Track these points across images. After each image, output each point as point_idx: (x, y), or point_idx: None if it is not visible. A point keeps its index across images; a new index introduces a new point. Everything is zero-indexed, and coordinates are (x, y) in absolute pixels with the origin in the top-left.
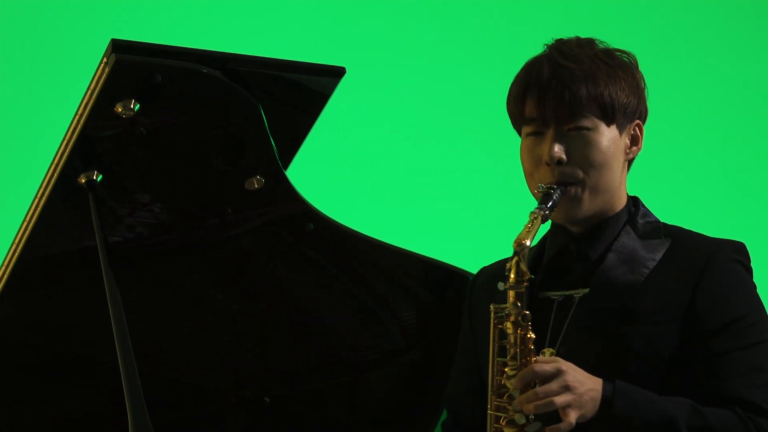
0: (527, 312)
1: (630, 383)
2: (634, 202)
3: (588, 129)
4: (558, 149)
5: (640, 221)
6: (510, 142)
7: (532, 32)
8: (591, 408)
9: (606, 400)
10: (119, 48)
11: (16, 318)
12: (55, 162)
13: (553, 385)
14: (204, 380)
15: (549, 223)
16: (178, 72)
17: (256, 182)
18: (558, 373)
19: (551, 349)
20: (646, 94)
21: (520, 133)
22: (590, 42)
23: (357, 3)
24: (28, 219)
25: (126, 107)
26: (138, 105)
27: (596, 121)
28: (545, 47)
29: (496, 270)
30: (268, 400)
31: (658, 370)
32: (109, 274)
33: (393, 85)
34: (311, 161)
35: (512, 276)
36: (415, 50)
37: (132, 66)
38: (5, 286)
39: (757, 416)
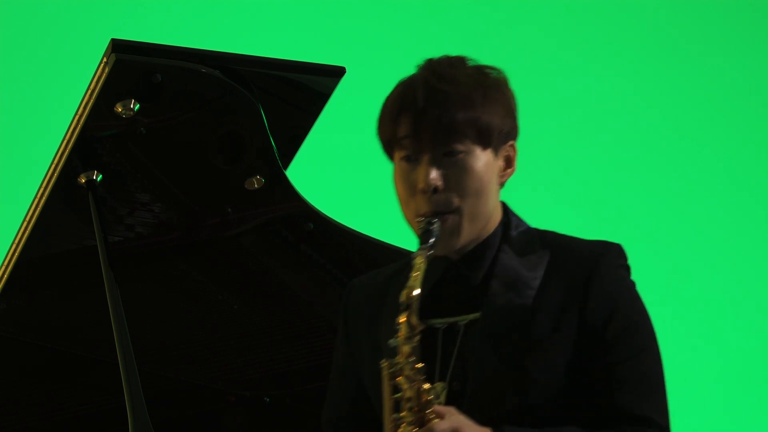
0: (421, 365)
1: (530, 413)
2: (505, 212)
3: (464, 153)
4: (434, 176)
5: (515, 234)
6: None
7: (533, 32)
8: None
9: None
10: (119, 48)
11: (16, 318)
12: (55, 162)
13: None
14: (204, 380)
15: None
16: (178, 72)
17: (256, 182)
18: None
19: (442, 383)
20: (517, 112)
21: (391, 157)
22: (462, 61)
23: (357, 3)
24: (28, 219)
25: (126, 107)
26: (138, 105)
27: (471, 145)
28: (417, 68)
29: (371, 286)
30: (268, 399)
31: (559, 394)
32: (109, 274)
33: (393, 85)
34: (311, 161)
35: (402, 331)
36: (415, 50)
37: (132, 66)
38: (5, 286)
39: (646, 428)
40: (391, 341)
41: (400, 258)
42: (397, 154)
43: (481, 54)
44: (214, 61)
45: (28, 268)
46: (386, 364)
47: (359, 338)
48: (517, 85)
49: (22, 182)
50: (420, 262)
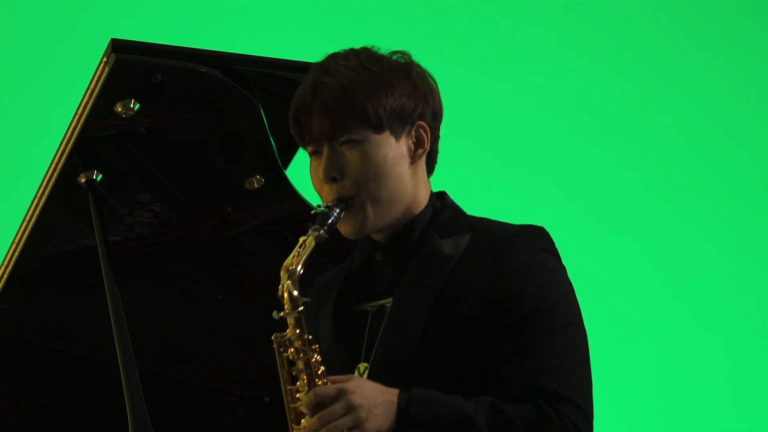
0: (310, 336)
1: (442, 389)
2: (439, 198)
3: (357, 141)
4: (329, 167)
5: (444, 217)
6: (511, 140)
7: (533, 32)
8: (386, 420)
9: (402, 411)
10: (119, 48)
11: (16, 317)
12: (55, 162)
13: (336, 407)
14: (204, 380)
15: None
16: (178, 71)
17: (256, 182)
18: (340, 395)
19: (365, 364)
20: (430, 92)
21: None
22: (357, 53)
23: (357, 3)
24: (28, 219)
25: (126, 107)
26: (138, 104)
27: (364, 132)
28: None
29: (328, 278)
30: (267, 399)
31: (470, 372)
32: (108, 274)
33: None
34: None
35: (286, 304)
36: (414, 50)
37: (132, 65)
38: (5, 286)
39: (560, 404)
40: (274, 313)
41: None
42: (307, 151)
43: (480, 53)
44: (214, 61)
45: (28, 268)
46: (275, 337)
47: (314, 327)
48: (517, 84)
49: (22, 182)
50: (307, 241)
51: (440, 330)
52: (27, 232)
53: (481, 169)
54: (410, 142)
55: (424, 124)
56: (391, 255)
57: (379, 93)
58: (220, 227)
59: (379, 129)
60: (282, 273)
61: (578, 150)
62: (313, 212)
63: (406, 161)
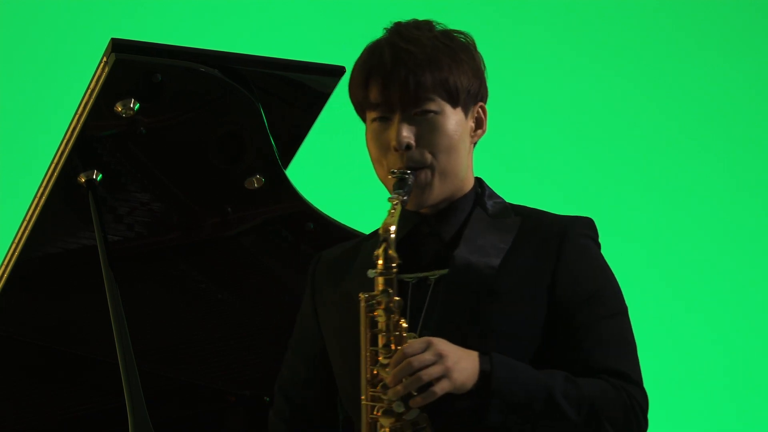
0: (398, 298)
1: None
2: (479, 183)
3: (435, 112)
4: (406, 134)
5: (488, 201)
6: (511, 140)
7: (533, 32)
8: (468, 377)
9: (484, 372)
10: (119, 47)
11: (16, 317)
12: (55, 161)
13: (426, 355)
14: (204, 380)
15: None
16: (178, 71)
17: (256, 181)
18: (429, 345)
19: (413, 334)
20: (486, 75)
21: (364, 119)
22: (428, 24)
23: (357, 3)
24: (28, 218)
25: (126, 106)
26: (138, 104)
27: (442, 104)
28: (384, 31)
29: (338, 254)
30: (268, 399)
31: (523, 350)
32: (108, 274)
33: None
34: (311, 161)
35: (380, 262)
36: None
37: (132, 65)
38: (5, 286)
39: (626, 383)
40: (369, 272)
41: None
42: (369, 116)
43: (481, 53)
44: (214, 60)
45: (28, 268)
46: (363, 296)
47: (326, 300)
48: (517, 84)
49: (22, 182)
50: (395, 204)
51: (497, 306)
52: (27, 232)
53: (480, 169)
54: (472, 122)
55: (483, 105)
56: (438, 228)
57: (459, 67)
58: (220, 227)
59: (455, 103)
60: (381, 233)
61: (578, 150)
62: (390, 176)
63: (468, 139)
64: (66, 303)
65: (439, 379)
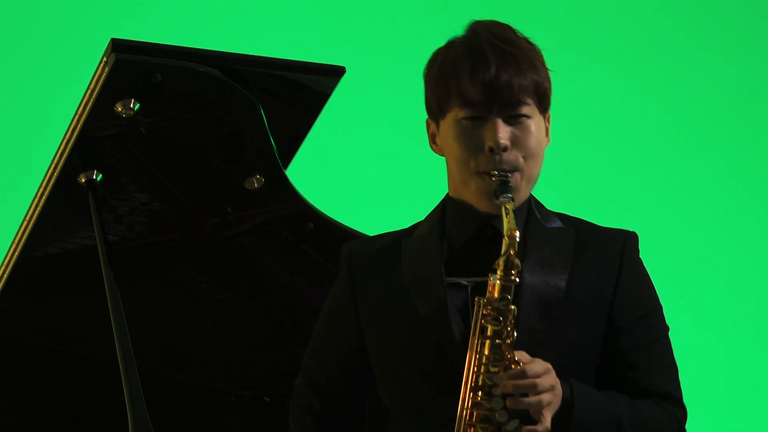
0: (514, 307)
1: (566, 373)
2: None
3: (528, 117)
4: (504, 136)
5: (536, 209)
6: None
7: (533, 32)
8: (557, 405)
9: (566, 401)
10: (119, 47)
11: (16, 317)
12: (55, 162)
13: (548, 380)
14: (204, 380)
15: (454, 206)
16: (178, 71)
17: (256, 181)
18: (548, 371)
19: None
20: None
21: (441, 115)
22: (509, 27)
23: (357, 3)
24: (28, 218)
25: (126, 107)
26: (138, 104)
27: (534, 109)
28: (469, 29)
29: (376, 249)
30: (267, 399)
31: (589, 365)
32: (108, 274)
33: (393, 85)
34: (311, 161)
35: (501, 268)
36: (415, 50)
37: (132, 65)
38: (5, 286)
39: (674, 407)
40: (491, 277)
41: None
42: (457, 113)
43: None
44: (214, 60)
45: (28, 268)
46: (481, 301)
47: (370, 292)
48: None
49: (22, 182)
50: (510, 207)
51: (567, 320)
52: (27, 232)
53: None
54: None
55: (549, 114)
56: (500, 231)
57: (546, 73)
58: (220, 227)
59: (544, 108)
60: (508, 237)
61: (578, 150)
62: (493, 179)
63: (544, 144)
64: (66, 303)
65: (547, 406)
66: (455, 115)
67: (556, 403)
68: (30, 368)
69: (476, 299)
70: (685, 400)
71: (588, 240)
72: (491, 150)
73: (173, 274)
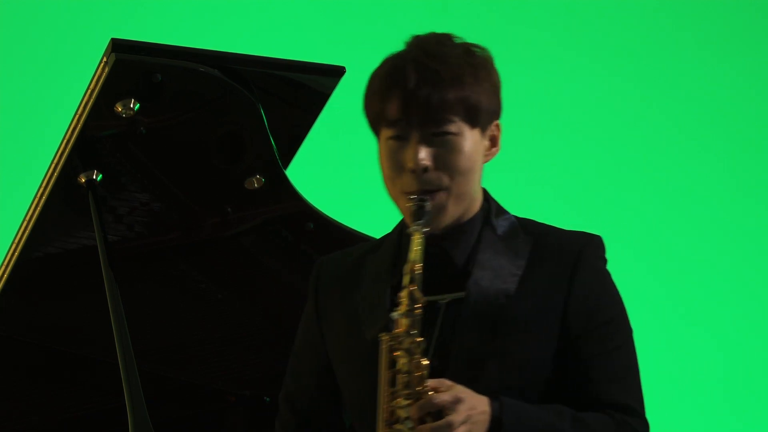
0: (421, 339)
1: (511, 393)
2: (486, 197)
3: (453, 134)
4: (424, 156)
5: (495, 220)
6: (510, 140)
7: (533, 32)
8: (482, 429)
9: (495, 420)
10: (119, 47)
11: (16, 317)
12: (55, 162)
13: (460, 416)
14: (204, 380)
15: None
16: (178, 71)
17: (256, 181)
18: (458, 402)
19: (424, 359)
20: (501, 91)
21: (377, 134)
22: (449, 38)
23: (357, 3)
24: (28, 218)
25: (126, 107)
26: (138, 104)
27: (461, 125)
28: (405, 45)
29: (346, 263)
30: (268, 399)
31: (538, 377)
32: (108, 274)
33: None
34: (311, 161)
35: (405, 303)
36: None
37: (132, 65)
38: (5, 286)
39: (630, 417)
40: (393, 314)
41: None
42: (385, 132)
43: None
44: (214, 60)
45: (28, 268)
46: (386, 337)
47: (331, 313)
48: (517, 84)
49: (22, 182)
50: (418, 238)
51: (512, 334)
52: (27, 232)
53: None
54: (487, 141)
55: (499, 123)
56: (449, 251)
57: (480, 86)
58: (220, 227)
59: (474, 123)
60: (408, 272)
61: (577, 151)
62: (407, 203)
63: (482, 159)
64: (66, 303)
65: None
66: (384, 134)
67: (479, 426)
68: (30, 368)
69: (380, 335)
70: (685, 399)
71: (545, 248)
72: (413, 170)
73: (173, 274)
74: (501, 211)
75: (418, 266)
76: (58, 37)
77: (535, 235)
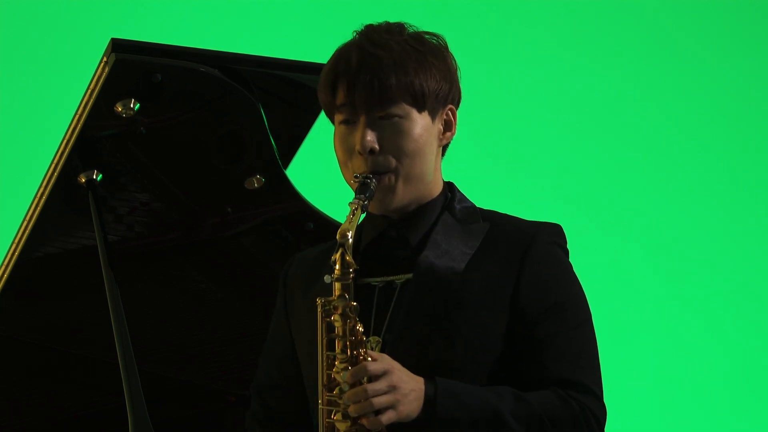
0: (355, 303)
1: (458, 371)
2: (449, 187)
3: (399, 117)
4: (370, 138)
5: (457, 206)
6: (510, 140)
7: (533, 32)
8: (416, 408)
9: (429, 400)
10: (119, 47)
11: (16, 317)
12: (55, 162)
13: (382, 384)
14: (204, 380)
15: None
16: (178, 71)
17: (256, 181)
18: (387, 373)
19: (377, 337)
20: (458, 77)
21: (333, 122)
22: (400, 27)
23: (357, 3)
24: (28, 218)
25: (126, 107)
26: (138, 104)
27: (407, 108)
28: (354, 33)
29: (311, 258)
30: None
31: (485, 357)
32: (108, 274)
33: None
34: (311, 161)
35: (338, 268)
36: None
37: (132, 65)
38: (5, 286)
39: (579, 393)
40: (326, 277)
41: None
42: (336, 118)
43: (480, 53)
44: (214, 60)
45: (28, 268)
46: (320, 301)
47: (295, 304)
48: (518, 84)
49: (22, 182)
50: (355, 208)
51: (460, 312)
52: (27, 232)
53: (479, 169)
54: (440, 125)
55: (453, 108)
56: (406, 233)
57: (426, 72)
58: (220, 227)
59: (421, 107)
60: (338, 238)
61: (577, 150)
62: (353, 180)
63: (436, 143)
64: (66, 303)
65: (387, 408)
66: (336, 119)
67: (408, 402)
68: (30, 368)
69: (317, 300)
70: (685, 398)
71: (500, 234)
72: (360, 153)
73: (173, 274)
74: (463, 200)
75: (350, 234)
76: (58, 37)
77: (493, 221)
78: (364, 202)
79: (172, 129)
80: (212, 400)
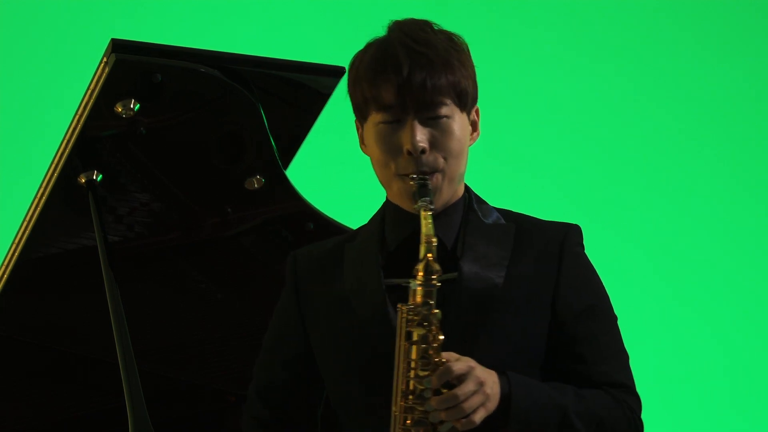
0: (437, 311)
1: (503, 369)
2: (466, 187)
3: (447, 117)
4: (421, 138)
5: (477, 206)
6: (510, 140)
7: (533, 32)
8: (495, 402)
9: (504, 394)
10: (119, 48)
11: (16, 317)
12: (55, 162)
13: (470, 385)
14: (204, 380)
15: (390, 208)
16: (178, 71)
17: (256, 182)
18: (470, 371)
19: (440, 333)
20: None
21: (362, 118)
22: (429, 24)
23: (357, 3)
24: (28, 219)
25: (126, 107)
26: (138, 104)
27: (453, 108)
28: (387, 30)
29: (321, 255)
30: None
31: (532, 360)
32: (108, 274)
33: None
34: (311, 161)
35: (421, 274)
36: None
37: (132, 65)
38: (5, 286)
39: (626, 395)
40: (411, 283)
41: None
42: (375, 117)
43: (480, 53)
44: (214, 61)
45: (28, 268)
46: (404, 308)
47: (314, 302)
48: (516, 84)
49: (22, 182)
50: (428, 214)
51: (504, 315)
52: (27, 232)
53: (479, 168)
54: (470, 125)
55: (478, 108)
56: (439, 233)
57: (465, 71)
58: (220, 227)
59: (463, 107)
60: (425, 242)
61: (578, 150)
62: (410, 182)
63: (468, 143)
64: (66, 303)
65: (477, 408)
66: (374, 119)
67: (492, 399)
68: (30, 368)
69: (399, 306)
70: (686, 397)
71: (528, 235)
72: (410, 153)
73: (173, 274)
74: (480, 200)
75: (434, 238)
76: (58, 37)
77: (516, 222)
78: (430, 204)
79: (172, 129)
80: (212, 400)
